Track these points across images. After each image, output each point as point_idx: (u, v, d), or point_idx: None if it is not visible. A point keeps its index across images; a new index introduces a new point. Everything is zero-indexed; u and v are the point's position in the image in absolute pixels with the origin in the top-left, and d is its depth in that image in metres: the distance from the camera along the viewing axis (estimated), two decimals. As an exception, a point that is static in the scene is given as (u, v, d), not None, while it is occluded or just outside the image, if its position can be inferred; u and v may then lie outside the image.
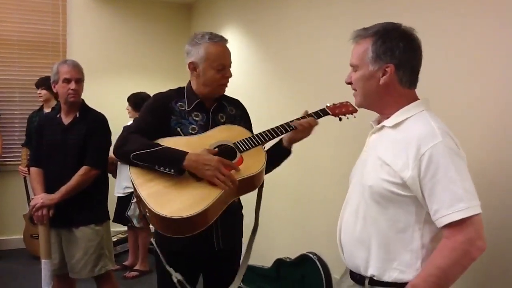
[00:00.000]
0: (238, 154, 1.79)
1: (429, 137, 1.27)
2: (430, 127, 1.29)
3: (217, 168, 1.66)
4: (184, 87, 1.96)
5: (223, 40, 1.90)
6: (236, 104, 2.04)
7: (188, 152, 1.71)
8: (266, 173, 1.96)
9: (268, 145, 1.97)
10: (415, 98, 1.40)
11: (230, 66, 1.92)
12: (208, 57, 1.85)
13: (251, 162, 1.77)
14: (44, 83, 3.95)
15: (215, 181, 1.67)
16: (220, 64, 1.86)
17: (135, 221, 3.82)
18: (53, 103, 3.95)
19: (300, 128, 1.86)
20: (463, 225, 1.22)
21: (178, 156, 1.70)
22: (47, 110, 3.97)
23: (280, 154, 1.96)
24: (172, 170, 1.70)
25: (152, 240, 1.90)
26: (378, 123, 1.46)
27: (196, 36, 1.88)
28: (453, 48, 2.04)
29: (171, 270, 1.82)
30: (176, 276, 1.80)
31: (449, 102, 1.99)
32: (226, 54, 1.89)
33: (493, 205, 1.73)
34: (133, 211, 3.82)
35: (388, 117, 1.40)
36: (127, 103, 4.03)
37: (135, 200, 3.51)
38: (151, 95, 3.97)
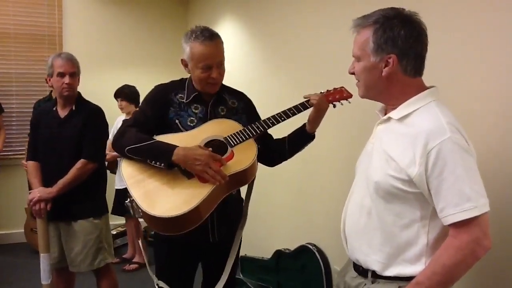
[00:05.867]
0: (229, 148, 1.79)
1: (437, 133, 1.22)
2: (439, 121, 1.24)
3: (207, 163, 1.66)
4: (187, 79, 1.95)
5: (211, 39, 1.80)
6: (239, 96, 2.03)
7: (177, 146, 1.71)
8: (288, 158, 2.01)
9: (291, 129, 1.97)
10: (422, 87, 1.34)
11: (220, 64, 1.84)
12: (193, 57, 1.83)
13: (242, 157, 1.76)
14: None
15: (204, 176, 1.67)
16: (205, 65, 1.82)
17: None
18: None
19: (315, 103, 1.83)
20: (469, 225, 1.19)
21: (167, 150, 1.71)
22: None
23: (302, 139, 1.95)
24: (162, 164, 1.71)
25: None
26: (385, 113, 1.41)
27: (187, 33, 1.85)
28: (460, 34, 1.95)
29: (153, 277, 1.88)
30: (157, 283, 1.85)
31: (456, 94, 1.90)
32: (212, 53, 1.81)
33: (501, 200, 1.70)
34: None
35: (394, 108, 1.35)
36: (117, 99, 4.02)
37: None
38: (136, 87, 4.06)
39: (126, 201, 1.75)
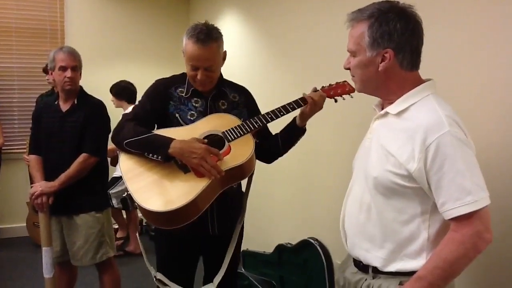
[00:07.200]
0: (226, 143, 1.79)
1: (436, 127, 1.20)
2: (437, 115, 1.22)
3: (203, 157, 1.66)
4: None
5: (204, 42, 1.77)
6: (240, 90, 2.02)
7: (174, 139, 1.71)
8: (283, 153, 2.01)
9: (282, 124, 1.97)
10: (419, 81, 1.33)
11: (208, 68, 1.82)
12: (185, 53, 1.85)
13: (239, 152, 1.76)
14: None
15: (200, 170, 1.67)
16: (192, 65, 1.83)
17: (114, 201, 3.84)
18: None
19: (310, 102, 1.84)
20: (471, 219, 1.19)
21: (164, 142, 1.71)
22: None
23: (294, 134, 1.95)
24: (160, 157, 1.71)
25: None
26: (382, 108, 1.40)
27: (189, 27, 1.85)
28: (457, 25, 1.93)
29: (151, 268, 1.88)
30: (155, 275, 1.85)
31: (455, 90, 1.89)
32: (201, 57, 1.79)
33: (501, 195, 1.69)
34: (115, 190, 3.86)
35: (391, 102, 1.34)
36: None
37: (121, 182, 3.58)
38: (132, 82, 4.16)
39: (124, 195, 1.75)
